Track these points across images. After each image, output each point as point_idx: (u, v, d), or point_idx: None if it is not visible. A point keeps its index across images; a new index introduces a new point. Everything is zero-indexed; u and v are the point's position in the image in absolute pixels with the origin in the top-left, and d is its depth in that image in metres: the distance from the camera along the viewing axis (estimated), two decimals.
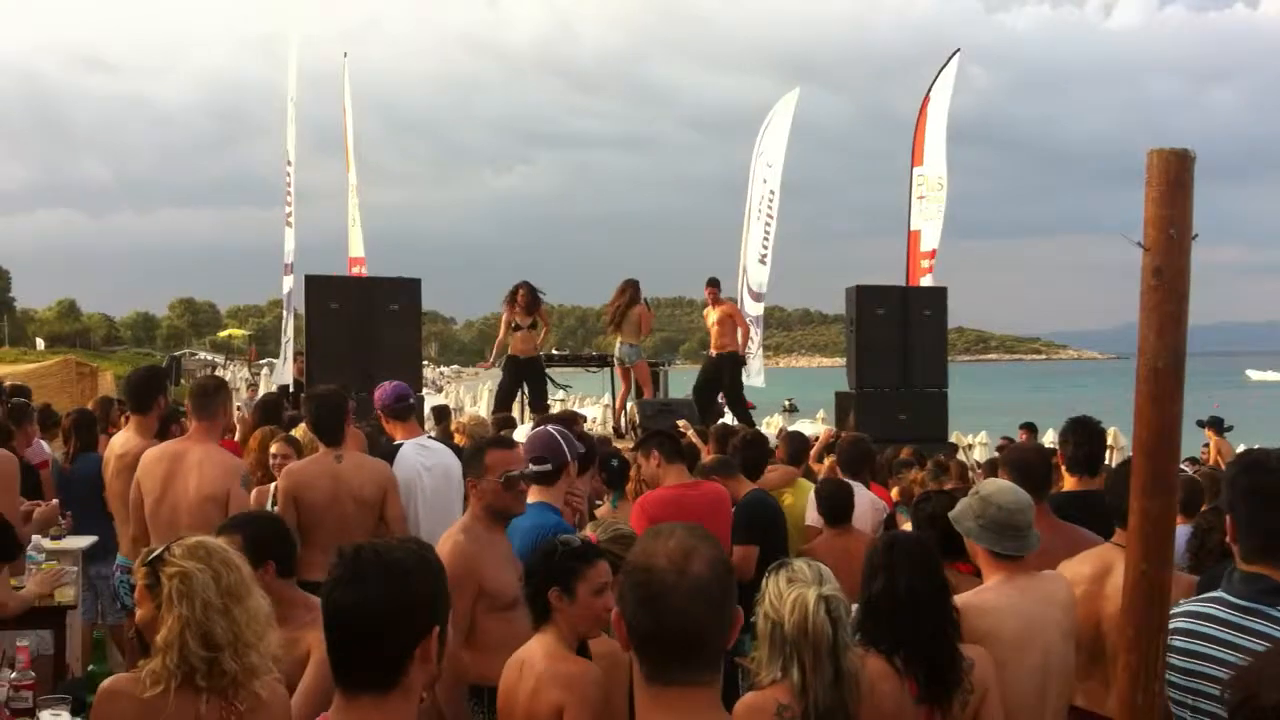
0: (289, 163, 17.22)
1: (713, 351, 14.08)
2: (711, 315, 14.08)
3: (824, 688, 2.91)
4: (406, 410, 6.42)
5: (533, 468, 4.80)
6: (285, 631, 3.64)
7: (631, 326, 13.66)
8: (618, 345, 13.93)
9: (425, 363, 15.68)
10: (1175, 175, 2.61)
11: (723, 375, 14.04)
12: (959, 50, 17.35)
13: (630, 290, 13.69)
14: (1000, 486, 3.91)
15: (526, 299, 13.12)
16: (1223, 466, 12.06)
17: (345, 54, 18.22)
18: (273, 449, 6.37)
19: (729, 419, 13.21)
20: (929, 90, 17.29)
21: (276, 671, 3.08)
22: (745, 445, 6.86)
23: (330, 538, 5.41)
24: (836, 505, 5.84)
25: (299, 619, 3.71)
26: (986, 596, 3.73)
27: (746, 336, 15.01)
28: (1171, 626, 2.81)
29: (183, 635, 2.86)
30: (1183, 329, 2.60)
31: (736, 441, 6.96)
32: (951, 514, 3.95)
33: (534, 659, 3.35)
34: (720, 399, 14.13)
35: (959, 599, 3.73)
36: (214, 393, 5.78)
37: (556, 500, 4.86)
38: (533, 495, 4.80)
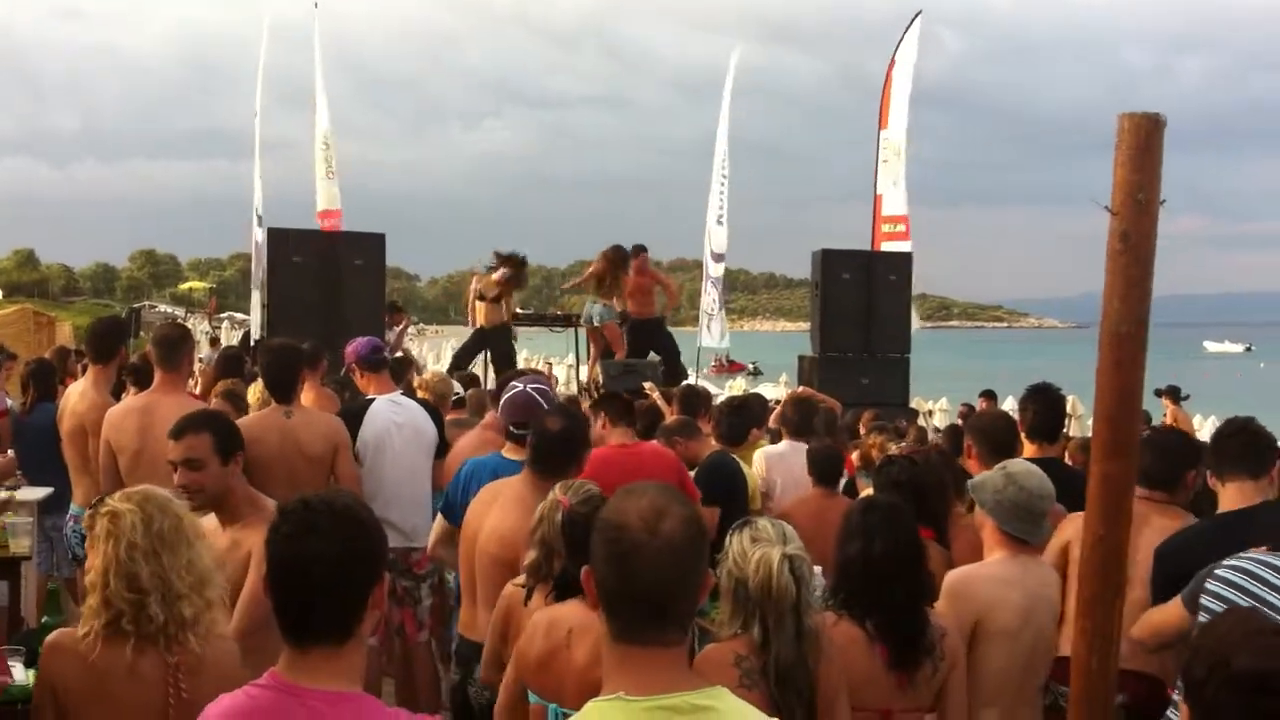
0: (255, 115, 16.98)
1: (632, 314, 13.97)
2: (635, 281, 13.97)
3: (786, 644, 2.93)
4: (380, 363, 6.37)
5: (514, 430, 4.78)
6: (230, 532, 3.72)
7: (621, 292, 13.64)
8: (588, 305, 13.87)
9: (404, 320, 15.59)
10: (1145, 140, 2.61)
11: (652, 339, 14.04)
12: (920, 12, 17.31)
13: (616, 258, 13.63)
14: (1028, 470, 3.89)
15: (516, 270, 13.18)
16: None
17: (316, 4, 17.94)
18: (212, 403, 6.32)
19: (694, 380, 13.23)
20: (894, 53, 17.26)
21: (225, 636, 3.04)
22: (729, 410, 6.87)
23: (280, 494, 5.40)
24: (830, 467, 5.82)
25: (244, 516, 3.75)
26: (991, 569, 3.77)
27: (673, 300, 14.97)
28: (1219, 573, 3.09)
29: (106, 574, 2.83)
30: (1147, 294, 2.61)
31: (721, 406, 6.97)
32: (971, 482, 4.00)
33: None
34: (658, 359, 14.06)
35: (962, 571, 3.77)
36: (180, 342, 5.69)
37: None
38: (514, 454, 4.77)
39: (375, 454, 5.90)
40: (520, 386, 5.05)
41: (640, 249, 14.02)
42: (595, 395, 11.90)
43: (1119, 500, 2.56)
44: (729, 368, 42.48)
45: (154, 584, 2.84)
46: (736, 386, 20.57)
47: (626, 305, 13.78)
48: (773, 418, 8.62)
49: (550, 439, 4.21)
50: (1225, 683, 1.93)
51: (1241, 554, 3.15)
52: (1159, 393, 13.31)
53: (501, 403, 5.08)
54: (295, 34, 18.70)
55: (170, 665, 2.86)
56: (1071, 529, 4.02)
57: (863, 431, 7.90)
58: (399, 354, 12.03)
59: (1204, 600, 3.14)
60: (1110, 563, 2.55)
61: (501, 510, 4.13)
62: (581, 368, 15.17)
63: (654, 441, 6.04)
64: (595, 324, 13.77)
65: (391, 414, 6.03)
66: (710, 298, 17.15)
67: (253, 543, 3.57)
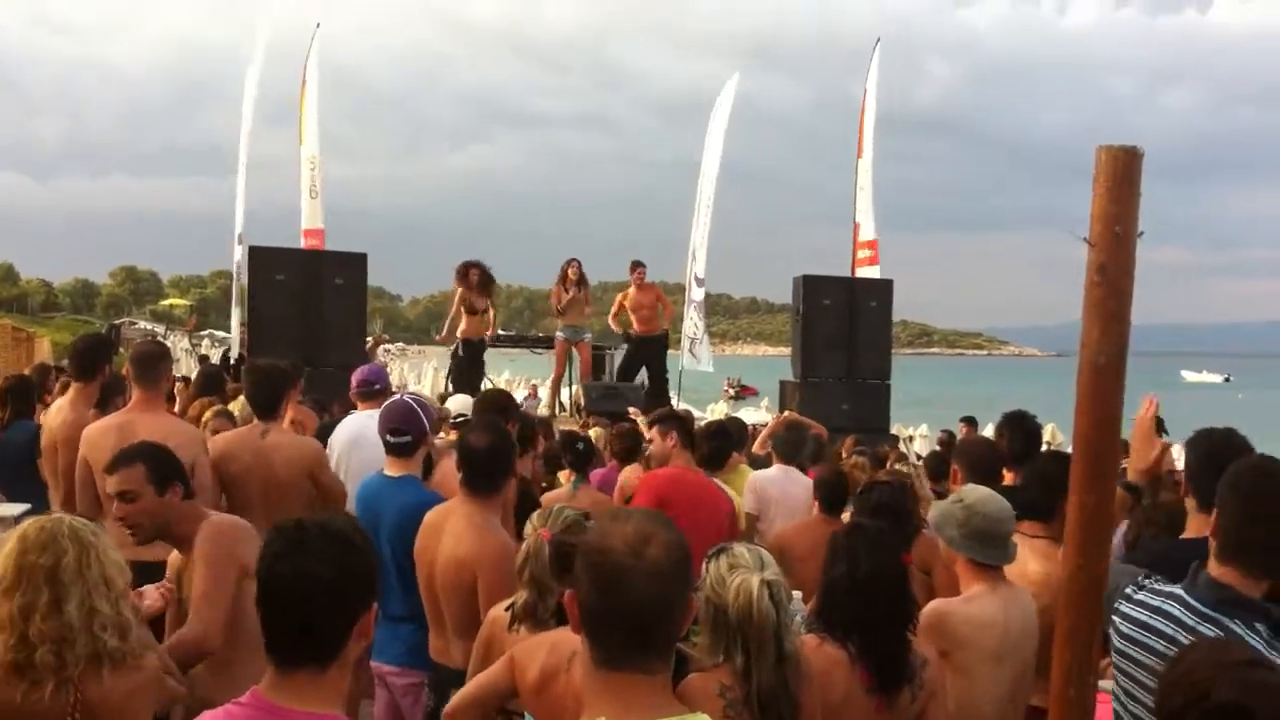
0: (248, 133, 16.93)
1: (635, 332, 14.09)
2: (636, 297, 14.04)
3: (767, 670, 2.93)
4: (372, 393, 6.48)
5: (391, 439, 4.78)
6: (189, 557, 3.72)
7: (580, 308, 13.71)
8: (565, 325, 13.90)
9: (368, 339, 15.55)
10: (1123, 172, 2.63)
11: (653, 358, 14.10)
12: (880, 40, 17.52)
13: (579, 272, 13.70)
14: (985, 495, 3.90)
15: (480, 279, 13.11)
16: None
17: (318, 25, 17.95)
18: (206, 418, 6.34)
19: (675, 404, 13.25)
20: (866, 82, 17.45)
21: (141, 666, 2.95)
22: (710, 435, 6.89)
23: (258, 512, 5.40)
24: (836, 494, 5.83)
25: (198, 531, 3.74)
26: (974, 606, 3.77)
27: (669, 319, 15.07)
28: (1123, 610, 2.83)
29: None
30: (1125, 326, 2.62)
31: (702, 430, 6.99)
32: (932, 519, 3.99)
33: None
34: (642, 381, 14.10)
35: (941, 605, 3.76)
36: (159, 360, 5.68)
37: (417, 471, 4.87)
38: (395, 468, 4.80)
39: (342, 458, 6.03)
40: (399, 396, 5.19)
41: (637, 264, 14.09)
42: (581, 415, 11.93)
43: (1098, 531, 2.57)
44: (741, 392, 42.47)
45: (47, 624, 2.77)
46: (718, 410, 20.56)
47: (630, 322, 13.81)
48: (758, 443, 8.63)
49: (476, 455, 4.19)
50: (1205, 715, 1.94)
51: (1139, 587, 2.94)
52: None
53: (380, 413, 5.10)
54: (283, 53, 18.72)
55: (70, 703, 2.79)
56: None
57: (844, 456, 7.92)
58: None
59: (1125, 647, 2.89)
60: (1089, 593, 2.56)
61: (452, 536, 4.10)
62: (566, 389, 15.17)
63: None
64: (572, 342, 13.82)
65: (366, 422, 6.04)
66: (693, 322, 17.20)
67: (201, 535, 3.68)
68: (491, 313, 13.49)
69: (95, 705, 2.82)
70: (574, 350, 13.93)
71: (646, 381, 14.09)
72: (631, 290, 14.03)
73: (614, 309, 14.26)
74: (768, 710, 2.92)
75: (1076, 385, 2.61)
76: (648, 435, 6.20)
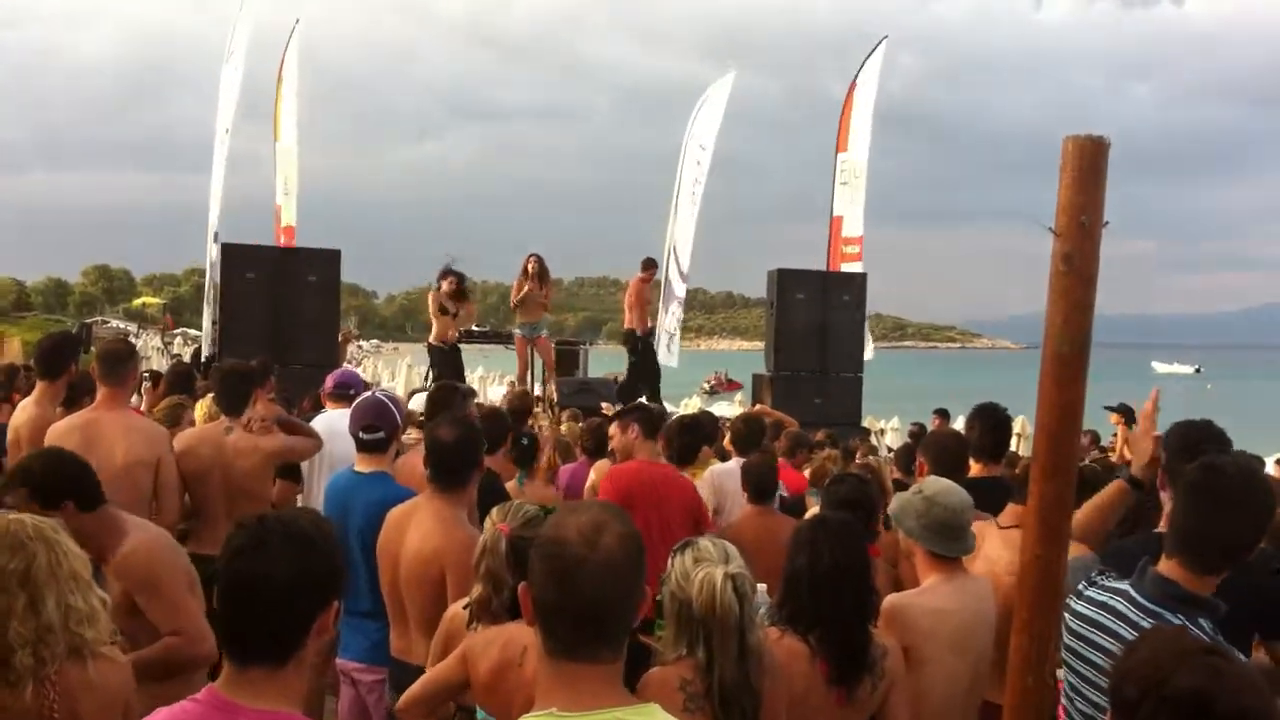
0: (227, 130, 16.73)
1: (639, 330, 14.14)
2: (647, 294, 14.18)
3: (729, 664, 2.92)
4: (345, 397, 6.49)
5: (363, 435, 4.77)
6: (105, 570, 3.61)
7: (535, 304, 13.70)
8: (520, 322, 13.92)
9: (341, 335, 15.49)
10: (1090, 162, 2.63)
11: (650, 353, 14.22)
12: (886, 38, 17.46)
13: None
14: (944, 487, 3.91)
15: (456, 287, 13.12)
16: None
17: (297, 20, 17.79)
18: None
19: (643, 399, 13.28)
20: (855, 77, 17.39)
21: (113, 661, 2.93)
22: (681, 429, 6.87)
23: (220, 508, 5.45)
24: (762, 483, 5.84)
25: (109, 551, 3.64)
26: (928, 597, 3.76)
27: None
28: (1074, 606, 2.84)
29: None
30: (1089, 316, 2.62)
31: (673, 425, 6.97)
32: (891, 511, 3.98)
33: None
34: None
35: (900, 598, 3.76)
36: (126, 358, 5.64)
37: (389, 468, 4.86)
38: (365, 465, 4.79)
39: (313, 460, 6.04)
40: (370, 393, 5.18)
41: (652, 262, 14.14)
42: (553, 411, 11.92)
43: (1057, 520, 2.57)
44: (726, 386, 42.45)
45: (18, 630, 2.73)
46: (691, 405, 20.55)
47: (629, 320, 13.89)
48: (728, 437, 8.64)
49: (443, 449, 4.17)
50: (1162, 703, 1.93)
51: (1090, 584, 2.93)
52: (1110, 408, 13.32)
53: (351, 410, 5.10)
54: (259, 49, 18.60)
55: (49, 701, 2.76)
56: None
57: (783, 445, 7.94)
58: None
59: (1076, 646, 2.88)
60: (1047, 582, 2.56)
61: (418, 530, 4.08)
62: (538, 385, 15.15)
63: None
64: (529, 338, 13.82)
65: (337, 419, 6.03)
66: (673, 317, 17.17)
67: (130, 563, 3.63)
68: (465, 312, 13.48)
69: (77, 700, 2.79)
70: (531, 348, 13.91)
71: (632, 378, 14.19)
72: (643, 288, 14.10)
73: (630, 300, 14.28)
74: (729, 704, 2.92)
75: (1039, 374, 2.61)
76: (610, 431, 6.17)
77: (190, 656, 3.60)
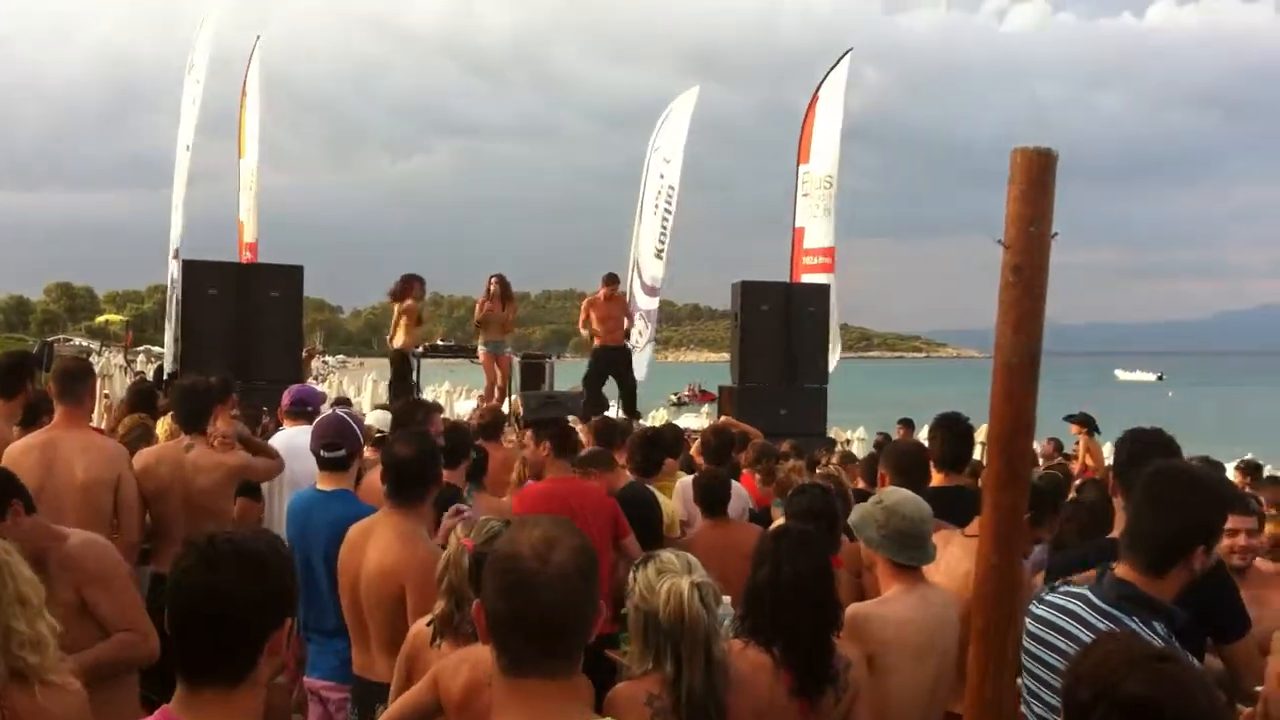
0: (188, 147, 16.58)
1: (598, 342, 14.09)
2: (606, 307, 14.09)
3: (698, 676, 2.92)
4: (304, 414, 6.52)
5: (325, 454, 4.76)
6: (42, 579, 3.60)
7: (498, 323, 13.70)
8: (484, 340, 13.89)
9: (305, 351, 15.39)
10: (1037, 174, 2.66)
11: (623, 369, 14.15)
12: (851, 50, 17.51)
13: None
14: (903, 497, 3.93)
15: (421, 292, 13.18)
16: (1090, 468, 12.30)
17: (258, 36, 17.71)
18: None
19: (612, 412, 13.26)
20: (817, 89, 17.45)
21: (67, 688, 2.84)
22: (642, 443, 6.87)
23: (179, 526, 5.41)
24: (713, 496, 5.86)
25: (48, 559, 3.57)
26: (890, 607, 3.78)
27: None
28: (1034, 611, 2.87)
29: None
30: (1039, 326, 2.65)
31: (635, 438, 6.96)
32: (852, 522, 3.99)
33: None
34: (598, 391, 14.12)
35: (862, 607, 3.77)
36: (83, 376, 5.59)
37: (350, 486, 4.86)
38: (327, 483, 4.78)
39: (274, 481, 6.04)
40: (331, 411, 5.23)
41: (613, 278, 14.13)
42: (519, 425, 11.89)
43: (1012, 529, 2.60)
44: (700, 397, 42.48)
45: None
46: (659, 418, 20.57)
47: (595, 333, 13.87)
48: (695, 448, 8.64)
49: (400, 464, 4.17)
50: (1114, 708, 1.95)
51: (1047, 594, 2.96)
52: (1071, 418, 13.38)
53: (312, 428, 5.09)
54: (221, 65, 18.46)
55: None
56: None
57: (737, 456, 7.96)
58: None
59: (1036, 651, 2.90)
60: (1002, 590, 2.58)
61: (376, 547, 4.07)
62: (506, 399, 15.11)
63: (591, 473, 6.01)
64: (496, 354, 13.82)
65: (298, 437, 6.00)
66: (638, 331, 17.11)
67: (82, 554, 3.63)
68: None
69: None
70: (496, 364, 13.91)
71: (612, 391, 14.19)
72: (601, 300, 14.05)
73: (582, 316, 14.27)
74: (697, 717, 2.92)
75: (990, 386, 2.63)
76: (522, 440, 6.17)
77: (145, 653, 3.62)
